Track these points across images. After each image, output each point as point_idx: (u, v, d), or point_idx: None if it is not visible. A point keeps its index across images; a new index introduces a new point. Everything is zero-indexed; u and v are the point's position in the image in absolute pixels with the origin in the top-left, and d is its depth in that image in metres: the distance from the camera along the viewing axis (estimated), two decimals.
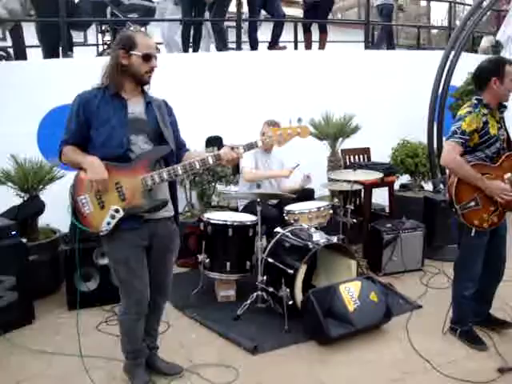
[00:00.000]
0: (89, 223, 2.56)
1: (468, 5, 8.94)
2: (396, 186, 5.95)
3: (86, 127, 2.55)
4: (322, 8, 7.56)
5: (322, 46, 7.80)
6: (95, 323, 3.73)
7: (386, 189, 5.54)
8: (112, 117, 2.53)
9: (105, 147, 2.52)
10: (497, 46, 7.16)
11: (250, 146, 2.67)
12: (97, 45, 7.79)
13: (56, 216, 3.82)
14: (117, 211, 2.52)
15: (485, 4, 5.70)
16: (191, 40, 6.80)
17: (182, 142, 2.86)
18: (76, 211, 2.56)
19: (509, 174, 3.22)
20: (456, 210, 3.20)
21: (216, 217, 4.19)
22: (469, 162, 3.17)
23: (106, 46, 7.18)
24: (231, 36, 7.94)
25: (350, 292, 3.53)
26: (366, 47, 8.02)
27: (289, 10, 11.49)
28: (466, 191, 3.18)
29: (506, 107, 3.33)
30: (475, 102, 3.25)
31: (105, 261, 3.87)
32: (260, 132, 4.70)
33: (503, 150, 3.26)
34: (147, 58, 2.53)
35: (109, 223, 2.53)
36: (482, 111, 3.18)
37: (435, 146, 5.61)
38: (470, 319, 3.49)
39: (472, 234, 3.20)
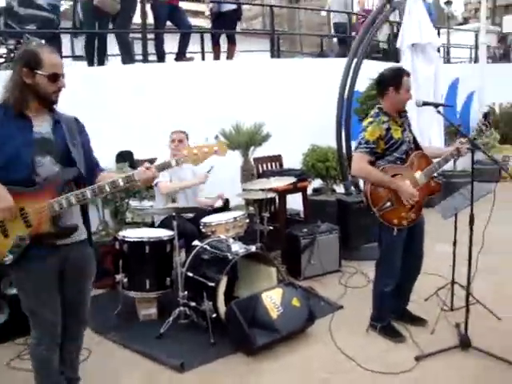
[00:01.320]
0: None
1: (357, 14, 9.61)
2: (309, 191, 6.10)
3: None
4: (229, 18, 7.62)
5: (230, 57, 7.86)
6: (6, 360, 3.45)
7: (300, 194, 5.66)
8: (15, 137, 2.34)
9: (7, 170, 2.32)
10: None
11: (163, 166, 2.57)
12: None
13: None
14: (22, 239, 2.34)
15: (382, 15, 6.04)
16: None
17: (95, 162, 2.70)
18: None
19: (419, 173, 3.43)
20: (374, 212, 3.35)
21: (131, 234, 4.06)
22: (380, 167, 3.35)
23: (1, 60, 6.73)
24: (137, 48, 7.77)
25: (273, 299, 3.56)
26: (272, 56, 8.19)
27: (194, 21, 11.48)
28: (381, 194, 3.34)
29: (406, 112, 3.54)
30: (376, 111, 3.45)
31: (14, 290, 3.59)
32: (168, 142, 4.63)
33: (411, 150, 3.46)
34: (54, 77, 2.36)
35: (13, 252, 2.34)
36: (382, 119, 3.37)
37: (344, 149, 5.82)
38: (389, 315, 3.65)
39: (394, 234, 3.36)
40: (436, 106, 3.48)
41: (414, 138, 3.54)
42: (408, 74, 3.42)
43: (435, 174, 3.56)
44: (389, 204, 3.33)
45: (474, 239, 3.30)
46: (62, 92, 2.44)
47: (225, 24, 7.68)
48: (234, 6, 7.65)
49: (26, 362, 3.34)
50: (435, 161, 3.50)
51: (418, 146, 3.55)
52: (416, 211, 3.41)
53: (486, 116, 9.07)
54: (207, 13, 8.19)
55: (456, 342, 3.37)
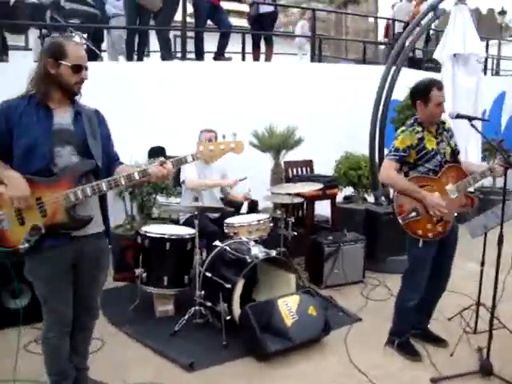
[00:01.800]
0: (6, 240, 2.40)
1: (406, 22, 9.27)
2: (340, 199, 6.01)
3: (8, 138, 2.38)
4: (266, 20, 7.63)
5: (268, 59, 7.85)
6: (24, 343, 3.51)
7: (329, 201, 5.58)
8: (35, 127, 2.38)
9: (26, 159, 2.37)
10: None
11: (179, 162, 2.56)
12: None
13: None
14: (37, 228, 2.38)
15: (424, 22, 5.88)
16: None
17: (115, 155, 2.72)
18: None
19: (450, 185, 3.29)
20: (399, 221, 3.26)
21: (153, 230, 4.08)
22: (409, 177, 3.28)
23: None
24: (177, 46, 7.87)
25: (288, 306, 3.50)
26: (312, 60, 8.12)
27: (238, 21, 11.55)
28: (407, 202, 3.25)
29: (444, 123, 3.43)
30: (412, 121, 3.38)
31: None
32: (198, 140, 4.63)
33: (446, 163, 3.33)
34: (77, 68, 2.40)
35: (28, 240, 2.37)
36: (416, 129, 3.29)
37: (377, 158, 5.70)
38: (408, 332, 3.53)
39: (420, 245, 3.25)
40: (470, 119, 3.33)
41: (454, 152, 3.39)
42: (440, 88, 3.28)
43: (471, 189, 3.42)
44: (414, 214, 3.23)
45: (502, 260, 3.15)
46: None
47: (262, 26, 7.70)
48: (271, 8, 7.65)
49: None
50: (471, 175, 3.35)
51: (456, 160, 3.41)
52: (444, 225, 3.28)
53: None
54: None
55: (476, 367, 3.21)
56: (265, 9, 7.63)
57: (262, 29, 7.73)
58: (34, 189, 2.35)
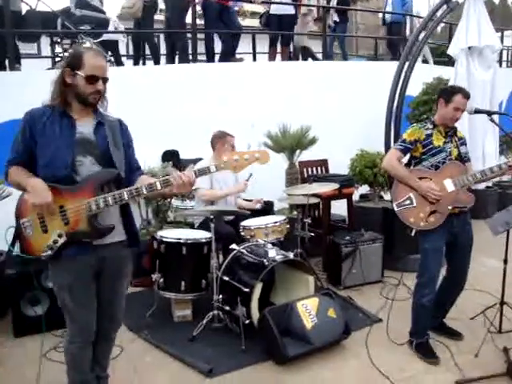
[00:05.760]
0: (30, 247, 2.41)
1: (421, 17, 9.11)
2: (356, 197, 5.93)
3: (32, 147, 2.40)
4: (285, 23, 7.57)
5: (284, 59, 7.82)
6: (44, 350, 3.48)
7: (345, 200, 5.51)
8: (58, 136, 2.39)
9: (49, 168, 2.38)
10: None
11: (202, 172, 2.49)
12: (52, 57, 7.56)
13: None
14: (59, 236, 2.38)
15: (438, 15, 5.78)
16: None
17: (136, 165, 2.70)
18: (18, 234, 2.42)
19: (449, 180, 3.33)
20: (393, 207, 3.42)
21: (169, 234, 4.06)
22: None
23: (58, 59, 6.97)
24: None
25: (308, 309, 3.45)
26: (324, 58, 8.05)
27: (251, 22, 11.51)
28: (402, 191, 3.40)
29: (455, 128, 3.47)
30: (426, 120, 3.53)
31: None
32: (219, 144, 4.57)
33: (450, 161, 3.37)
34: (92, 79, 2.39)
35: (51, 248, 2.38)
36: (427, 126, 3.44)
37: None
38: (426, 332, 3.48)
39: (412, 234, 3.35)
40: (489, 113, 3.29)
41: (461, 156, 3.42)
42: (466, 96, 3.34)
43: (489, 184, 3.42)
44: (408, 202, 3.35)
45: None
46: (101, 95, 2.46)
47: (281, 27, 7.64)
48: (292, 11, 7.58)
49: (62, 354, 3.39)
50: (472, 172, 3.38)
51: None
52: (437, 217, 3.30)
53: None
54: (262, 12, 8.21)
55: (503, 369, 3.13)
56: (286, 10, 7.54)
57: (281, 30, 7.68)
58: (57, 197, 2.36)
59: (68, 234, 2.39)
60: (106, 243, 2.50)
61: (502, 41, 9.84)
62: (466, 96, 3.36)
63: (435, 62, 8.78)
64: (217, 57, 7.16)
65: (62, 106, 2.43)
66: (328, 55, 8.62)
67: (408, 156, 3.48)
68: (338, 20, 8.84)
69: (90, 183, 2.41)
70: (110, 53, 7.00)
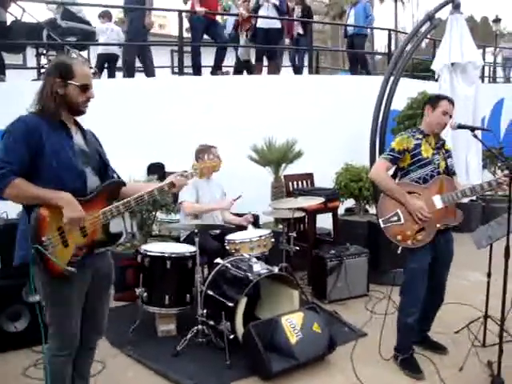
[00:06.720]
0: (54, 265, 2.29)
1: (406, 33, 9.26)
2: (342, 211, 5.94)
3: (32, 156, 2.29)
4: (272, 37, 7.61)
5: (270, 72, 7.86)
6: (23, 368, 3.42)
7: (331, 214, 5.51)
8: (62, 147, 2.35)
9: (61, 180, 2.31)
10: None
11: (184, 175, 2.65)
12: (38, 68, 7.51)
13: None
14: (80, 248, 2.37)
15: (422, 31, 5.87)
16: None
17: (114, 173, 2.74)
18: (41, 256, 2.26)
19: (438, 196, 3.27)
20: (379, 223, 3.28)
21: (153, 248, 4.01)
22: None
23: (43, 70, 6.93)
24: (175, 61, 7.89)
25: (293, 324, 3.43)
26: (310, 72, 8.11)
27: None
28: (390, 206, 3.28)
29: (443, 140, 3.46)
30: (414, 129, 3.45)
31: (36, 298, 3.57)
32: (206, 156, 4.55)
33: (438, 174, 3.32)
34: (85, 88, 2.41)
35: (73, 262, 2.34)
36: (415, 136, 3.35)
37: None
38: (411, 348, 3.47)
39: (398, 251, 3.25)
40: (472, 129, 3.31)
41: (447, 168, 3.39)
42: (451, 102, 3.36)
43: (473, 198, 3.41)
44: (395, 218, 3.24)
45: (509, 271, 3.08)
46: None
47: (268, 41, 7.67)
48: (278, 25, 7.62)
49: (41, 371, 3.33)
50: (461, 188, 3.32)
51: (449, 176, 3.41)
52: (425, 235, 3.25)
53: None
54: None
55: (487, 383, 3.14)
56: (273, 25, 7.58)
57: (268, 44, 7.72)
58: None
59: (88, 246, 2.41)
60: (100, 251, 2.53)
61: (483, 57, 10.04)
62: (452, 102, 3.36)
63: (420, 77, 8.91)
64: (203, 70, 7.17)
65: (57, 117, 2.40)
66: (298, 68, 8.70)
67: (393, 167, 3.39)
68: (302, 32, 8.80)
69: (104, 193, 2.46)
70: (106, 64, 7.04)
